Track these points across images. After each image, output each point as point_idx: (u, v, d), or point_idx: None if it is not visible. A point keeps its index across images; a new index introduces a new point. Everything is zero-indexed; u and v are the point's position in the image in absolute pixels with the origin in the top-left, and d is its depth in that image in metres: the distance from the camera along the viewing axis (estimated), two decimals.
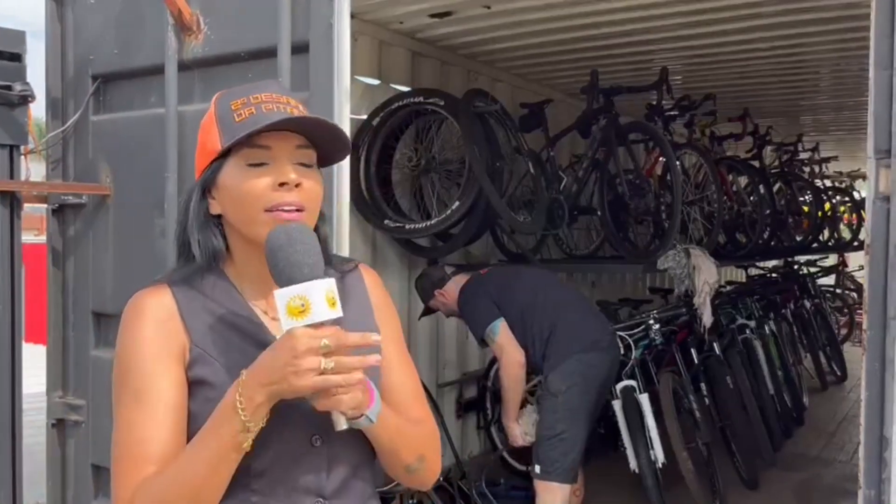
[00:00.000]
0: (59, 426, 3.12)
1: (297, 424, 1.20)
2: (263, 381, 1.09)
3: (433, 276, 4.00)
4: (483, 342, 3.71)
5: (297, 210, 1.20)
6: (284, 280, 1.11)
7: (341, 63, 2.32)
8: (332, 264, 1.34)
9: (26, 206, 3.03)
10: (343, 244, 2.34)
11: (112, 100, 2.99)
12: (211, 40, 2.61)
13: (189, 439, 1.18)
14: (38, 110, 3.05)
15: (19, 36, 2.88)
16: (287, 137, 1.21)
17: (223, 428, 1.11)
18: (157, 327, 1.22)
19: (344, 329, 1.12)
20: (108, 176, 2.96)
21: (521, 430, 3.71)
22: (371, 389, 1.18)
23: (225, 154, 1.22)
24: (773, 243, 6.63)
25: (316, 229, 1.25)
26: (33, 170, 3.06)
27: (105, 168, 2.97)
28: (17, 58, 2.86)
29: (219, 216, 1.27)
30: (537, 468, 3.40)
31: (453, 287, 3.85)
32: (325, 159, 1.30)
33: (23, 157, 2.89)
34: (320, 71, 2.34)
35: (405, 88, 4.41)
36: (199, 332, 1.23)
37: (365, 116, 4.26)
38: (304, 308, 1.08)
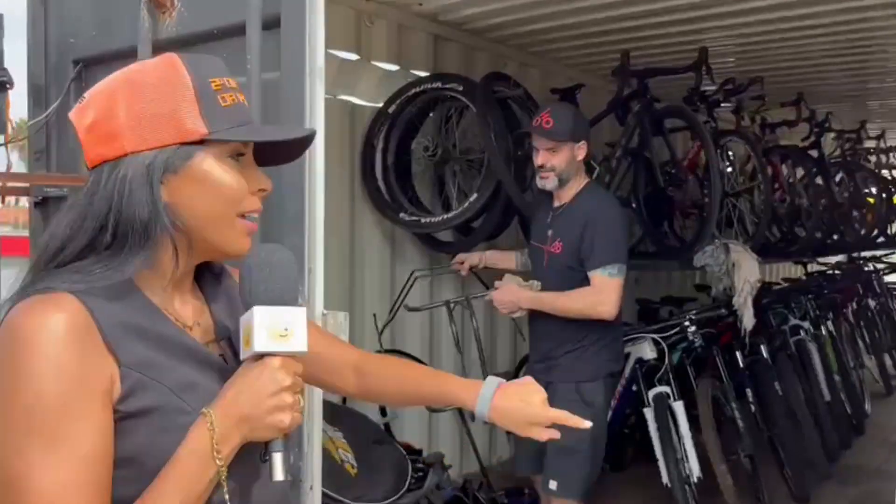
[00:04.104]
0: None
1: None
2: (240, 418, 0.97)
3: (583, 119, 3.26)
4: (580, 263, 2.95)
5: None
6: (271, 297, 1.01)
7: (314, 38, 2.10)
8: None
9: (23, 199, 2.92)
10: (317, 226, 2.12)
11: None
12: (185, 17, 2.43)
13: (136, 479, 0.95)
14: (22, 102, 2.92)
15: None
16: None
17: (194, 481, 0.95)
18: (72, 352, 0.94)
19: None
20: None
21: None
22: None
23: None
24: (834, 237, 6.20)
25: None
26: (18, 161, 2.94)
27: None
28: None
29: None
30: (553, 484, 2.97)
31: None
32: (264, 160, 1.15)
33: (1, 147, 2.77)
34: (292, 48, 2.13)
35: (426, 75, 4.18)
36: (128, 352, 0.98)
37: (381, 104, 4.05)
38: (286, 333, 0.99)
